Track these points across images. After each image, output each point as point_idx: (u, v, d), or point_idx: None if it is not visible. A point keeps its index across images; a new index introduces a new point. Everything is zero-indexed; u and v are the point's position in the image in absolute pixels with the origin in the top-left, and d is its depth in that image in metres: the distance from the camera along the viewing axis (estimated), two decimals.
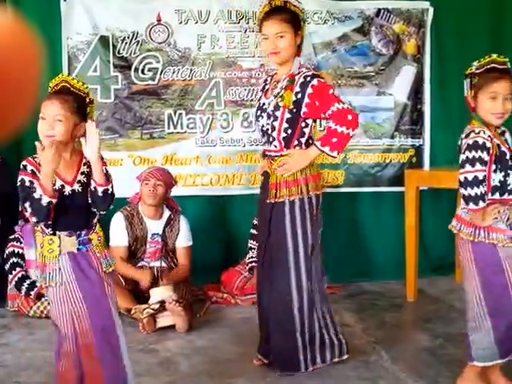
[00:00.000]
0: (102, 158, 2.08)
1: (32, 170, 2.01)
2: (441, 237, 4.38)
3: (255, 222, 4.03)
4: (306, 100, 2.56)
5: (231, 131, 4.25)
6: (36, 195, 1.95)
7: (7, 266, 3.65)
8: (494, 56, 2.25)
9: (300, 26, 2.62)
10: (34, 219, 2.02)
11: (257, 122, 2.74)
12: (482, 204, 2.18)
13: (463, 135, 2.29)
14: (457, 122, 4.29)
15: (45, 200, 1.94)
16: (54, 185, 2.01)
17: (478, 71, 2.23)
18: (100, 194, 2.02)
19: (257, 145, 4.30)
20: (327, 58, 4.31)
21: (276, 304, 2.65)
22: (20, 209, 3.62)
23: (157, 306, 3.26)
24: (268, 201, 2.64)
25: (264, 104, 2.67)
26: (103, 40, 4.10)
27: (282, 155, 2.63)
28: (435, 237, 4.43)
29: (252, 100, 4.24)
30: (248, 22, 4.20)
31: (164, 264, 3.74)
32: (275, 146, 2.64)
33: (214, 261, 4.22)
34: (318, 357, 2.68)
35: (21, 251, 3.66)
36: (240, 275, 3.88)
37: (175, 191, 3.90)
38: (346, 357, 2.73)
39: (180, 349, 3.02)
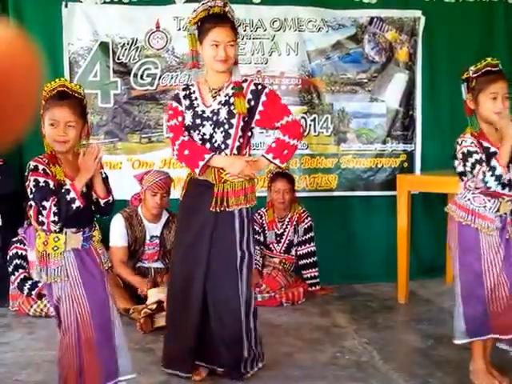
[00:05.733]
0: (102, 167, 2.17)
1: (44, 170, 2.03)
2: (432, 240, 4.44)
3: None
4: (260, 108, 2.51)
5: None
6: (68, 197, 1.99)
7: (10, 268, 3.68)
8: (489, 59, 2.38)
9: (238, 34, 2.55)
10: (53, 218, 1.99)
11: (195, 131, 2.54)
12: None
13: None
14: (447, 128, 4.37)
15: (76, 204, 2.00)
16: (65, 185, 2.04)
17: (475, 75, 2.37)
18: (102, 205, 2.14)
19: (254, 149, 4.36)
20: (321, 65, 4.37)
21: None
22: (25, 210, 3.62)
23: (154, 307, 3.31)
24: (212, 209, 2.51)
25: (204, 112, 2.52)
26: (103, 46, 4.16)
27: None
28: (426, 240, 4.49)
29: None
30: (245, 30, 4.26)
31: (162, 265, 3.80)
32: (226, 155, 2.52)
33: None
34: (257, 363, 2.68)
35: (24, 253, 3.70)
36: None
37: (173, 194, 3.95)
38: (261, 365, 2.71)
39: None
